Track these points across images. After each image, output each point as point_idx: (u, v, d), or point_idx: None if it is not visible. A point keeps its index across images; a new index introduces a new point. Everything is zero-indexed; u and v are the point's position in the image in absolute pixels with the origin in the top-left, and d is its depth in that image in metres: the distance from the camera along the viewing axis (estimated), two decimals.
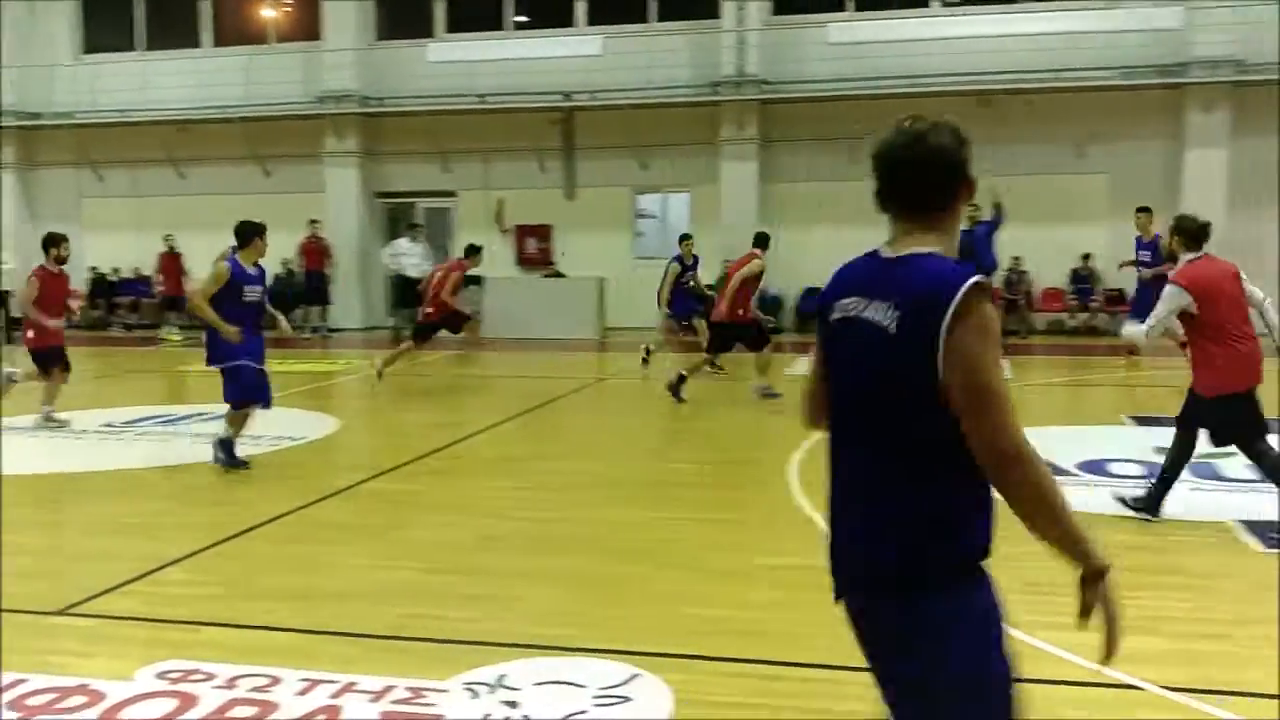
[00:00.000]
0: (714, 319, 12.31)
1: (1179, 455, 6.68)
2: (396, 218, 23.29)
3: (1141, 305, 11.82)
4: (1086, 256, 19.50)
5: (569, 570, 6.03)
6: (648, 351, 14.94)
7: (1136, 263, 14.55)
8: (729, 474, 8.67)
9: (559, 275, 21.27)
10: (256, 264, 8.70)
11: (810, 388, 2.71)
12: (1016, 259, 18.25)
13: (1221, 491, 7.56)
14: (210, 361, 8.67)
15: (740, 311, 11.89)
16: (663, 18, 21.28)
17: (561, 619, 5.23)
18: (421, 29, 22.30)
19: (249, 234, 8.62)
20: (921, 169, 2.44)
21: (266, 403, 8.76)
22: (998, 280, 18.10)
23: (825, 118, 20.16)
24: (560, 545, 6.53)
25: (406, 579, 5.89)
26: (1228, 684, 4.38)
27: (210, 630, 5.08)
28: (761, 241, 12.43)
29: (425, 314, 13.86)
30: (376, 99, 22.10)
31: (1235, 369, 6.38)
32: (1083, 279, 19.62)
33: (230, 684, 4.45)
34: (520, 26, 22.24)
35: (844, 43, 19.62)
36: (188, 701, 4.30)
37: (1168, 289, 6.50)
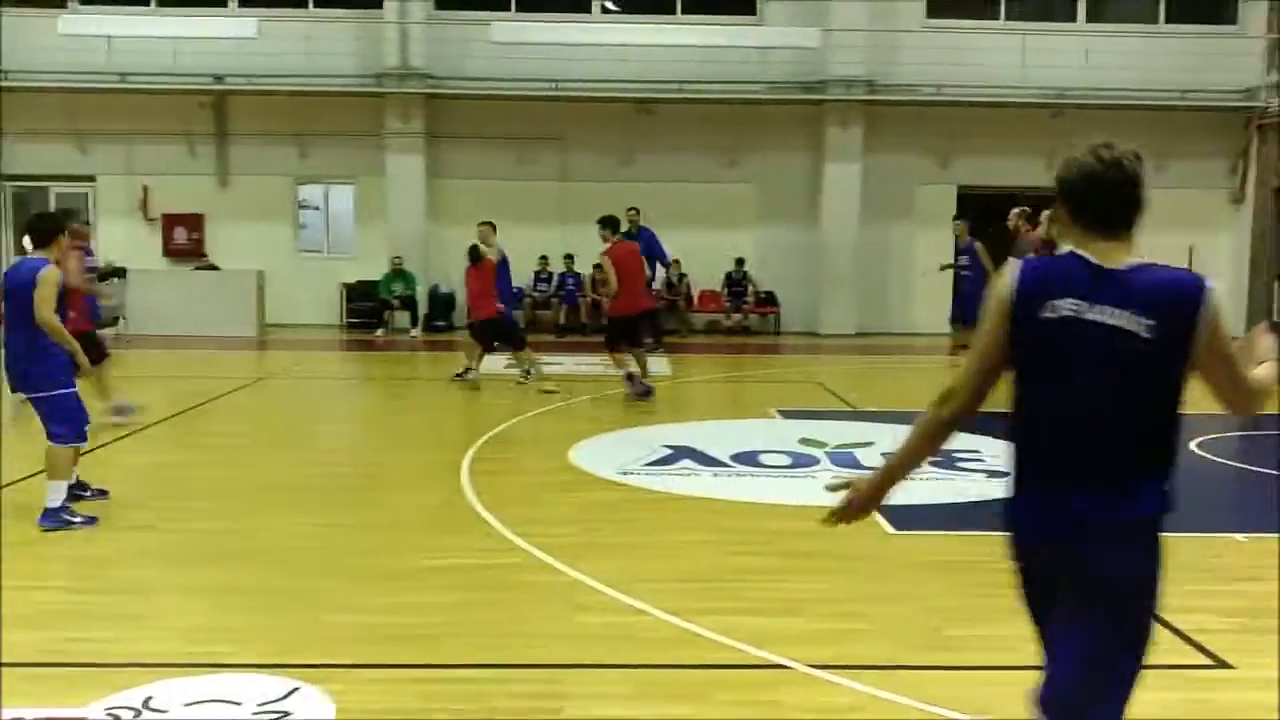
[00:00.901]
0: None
1: None
2: (26, 202, 21.27)
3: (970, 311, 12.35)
4: (740, 261, 20.63)
5: (222, 583, 5.72)
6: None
7: (957, 266, 15.41)
8: (397, 475, 8.51)
9: (213, 268, 20.13)
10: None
11: (980, 373, 2.97)
12: (676, 261, 19.04)
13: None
14: (42, 389, 6.87)
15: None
16: (321, 3, 20.59)
17: (214, 634, 4.96)
18: None
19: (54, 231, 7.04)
20: (1131, 191, 2.84)
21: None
22: (658, 282, 18.82)
23: (492, 116, 20.25)
24: (213, 557, 6.19)
25: (53, 599, 5.40)
26: (861, 659, 4.75)
27: None
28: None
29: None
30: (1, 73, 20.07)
31: None
32: (736, 282, 20.72)
33: None
34: (165, 3, 20.83)
35: (507, 43, 19.74)
36: None
37: None
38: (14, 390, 7.07)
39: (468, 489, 7.74)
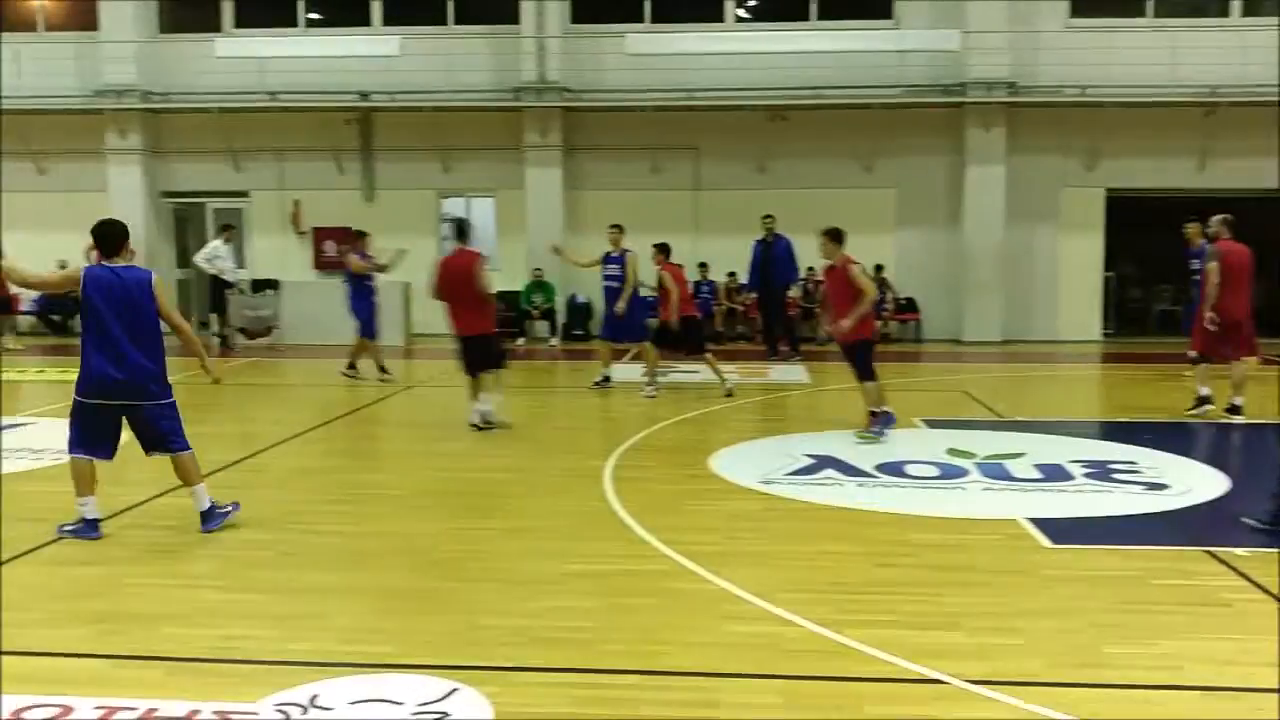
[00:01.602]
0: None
1: None
2: (185, 218, 22.30)
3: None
4: (879, 268, 20.36)
5: (378, 585, 5.88)
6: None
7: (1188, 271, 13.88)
8: (541, 481, 8.63)
9: None
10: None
11: None
12: (811, 269, 18.88)
13: (1011, 491, 7.98)
14: (165, 397, 7.00)
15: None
16: (460, 20, 21.06)
17: (374, 635, 5.10)
18: (209, 23, 21.40)
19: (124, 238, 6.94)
20: None
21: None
22: (795, 291, 18.69)
23: (627, 127, 20.43)
24: (368, 559, 6.37)
25: (207, 598, 5.63)
26: (1017, 674, 4.63)
27: None
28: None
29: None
30: (160, 94, 21.07)
31: None
32: (876, 289, 20.39)
33: (15, 717, 4.15)
34: (313, 24, 21.61)
35: (642, 54, 19.89)
36: None
37: None
38: (139, 400, 6.78)
39: (611, 495, 7.81)
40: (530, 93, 20.38)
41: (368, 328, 14.63)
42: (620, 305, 13.13)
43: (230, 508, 7.05)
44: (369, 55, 20.55)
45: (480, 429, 10.56)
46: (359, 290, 14.70)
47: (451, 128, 20.67)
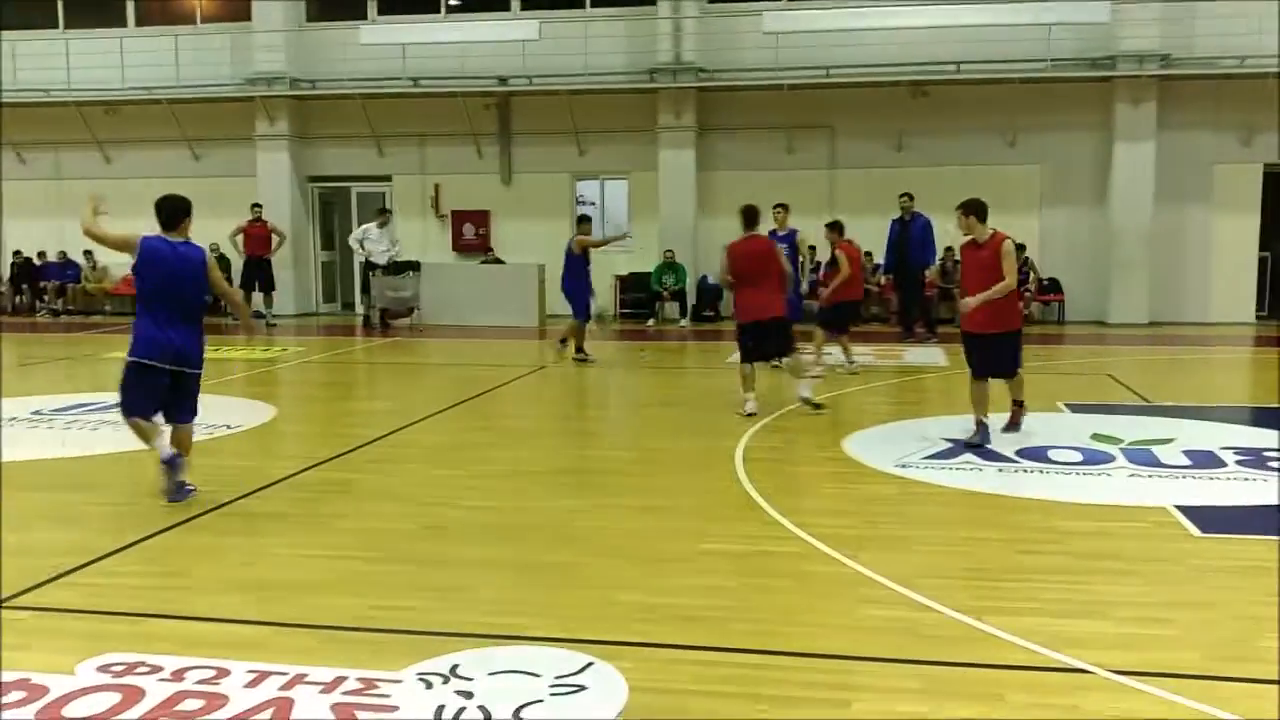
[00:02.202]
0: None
1: None
2: (330, 202, 23.01)
3: None
4: (1021, 247, 19.79)
5: (516, 559, 6.00)
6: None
7: None
8: (674, 460, 8.67)
9: (498, 261, 21.14)
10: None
11: None
12: (950, 250, 18.49)
13: (1159, 478, 7.72)
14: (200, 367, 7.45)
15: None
16: (597, 3, 21.19)
17: (512, 608, 5.21)
18: (354, 11, 22.00)
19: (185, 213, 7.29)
20: None
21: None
22: (930, 273, 18.32)
23: (762, 106, 20.30)
24: (506, 534, 6.50)
25: (353, 569, 5.83)
26: (1166, 666, 4.48)
27: (153, 622, 4.99)
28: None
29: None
30: (308, 81, 21.77)
31: None
32: (1019, 269, 19.86)
33: (176, 676, 4.37)
34: (453, 10, 22.02)
35: (779, 31, 19.70)
36: (132, 695, 4.21)
37: None
38: (191, 369, 7.20)
39: (743, 476, 7.81)
40: (665, 74, 20.40)
41: (583, 308, 14.44)
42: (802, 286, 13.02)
43: (192, 488, 7.22)
44: (507, 40, 20.84)
45: (751, 415, 10.10)
46: (577, 271, 14.51)
47: (586, 110, 20.85)
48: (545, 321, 19.73)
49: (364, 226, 20.07)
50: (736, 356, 10.76)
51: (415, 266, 19.80)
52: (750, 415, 10.07)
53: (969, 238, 9.17)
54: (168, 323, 7.05)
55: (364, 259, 19.91)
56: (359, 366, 15.73)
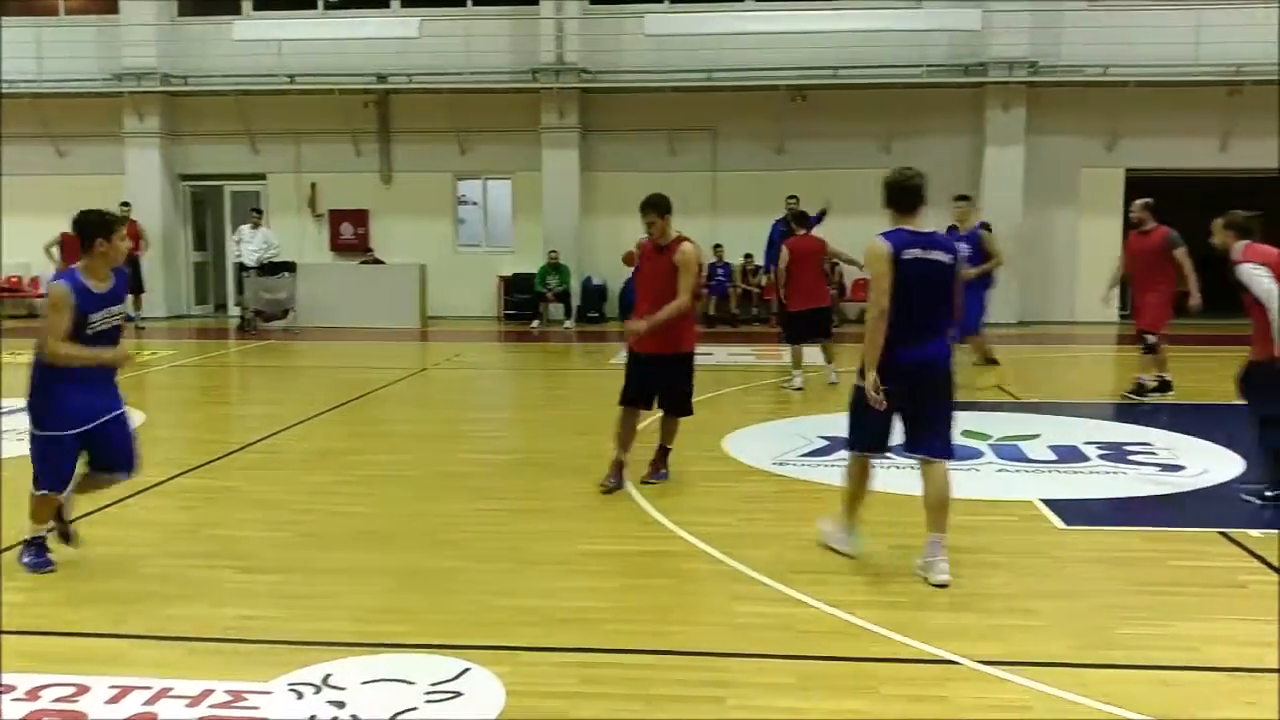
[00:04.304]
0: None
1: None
2: (203, 201, 22.39)
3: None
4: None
5: (391, 565, 5.90)
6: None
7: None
8: (555, 462, 8.64)
9: (377, 262, 20.81)
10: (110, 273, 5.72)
11: None
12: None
13: (1025, 473, 7.96)
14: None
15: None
16: (480, 2, 21.02)
17: (386, 615, 5.13)
18: (227, 6, 21.44)
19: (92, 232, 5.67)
20: None
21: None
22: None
23: (645, 108, 20.40)
24: (382, 540, 6.39)
25: (222, 578, 5.66)
26: (1032, 655, 4.62)
27: (10, 639, 4.77)
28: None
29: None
30: (179, 77, 21.14)
31: None
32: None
33: (31, 695, 4.19)
34: (331, 6, 21.61)
35: (661, 34, 19.82)
36: None
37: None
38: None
39: (625, 477, 7.80)
40: (548, 74, 20.35)
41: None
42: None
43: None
44: (387, 37, 20.53)
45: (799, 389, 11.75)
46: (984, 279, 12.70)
47: (469, 110, 20.67)
48: (426, 323, 19.50)
49: (241, 228, 19.62)
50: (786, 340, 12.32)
51: (290, 267, 19.37)
52: (799, 389, 11.72)
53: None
54: None
55: (238, 259, 19.44)
56: (232, 370, 15.33)
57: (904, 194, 5.68)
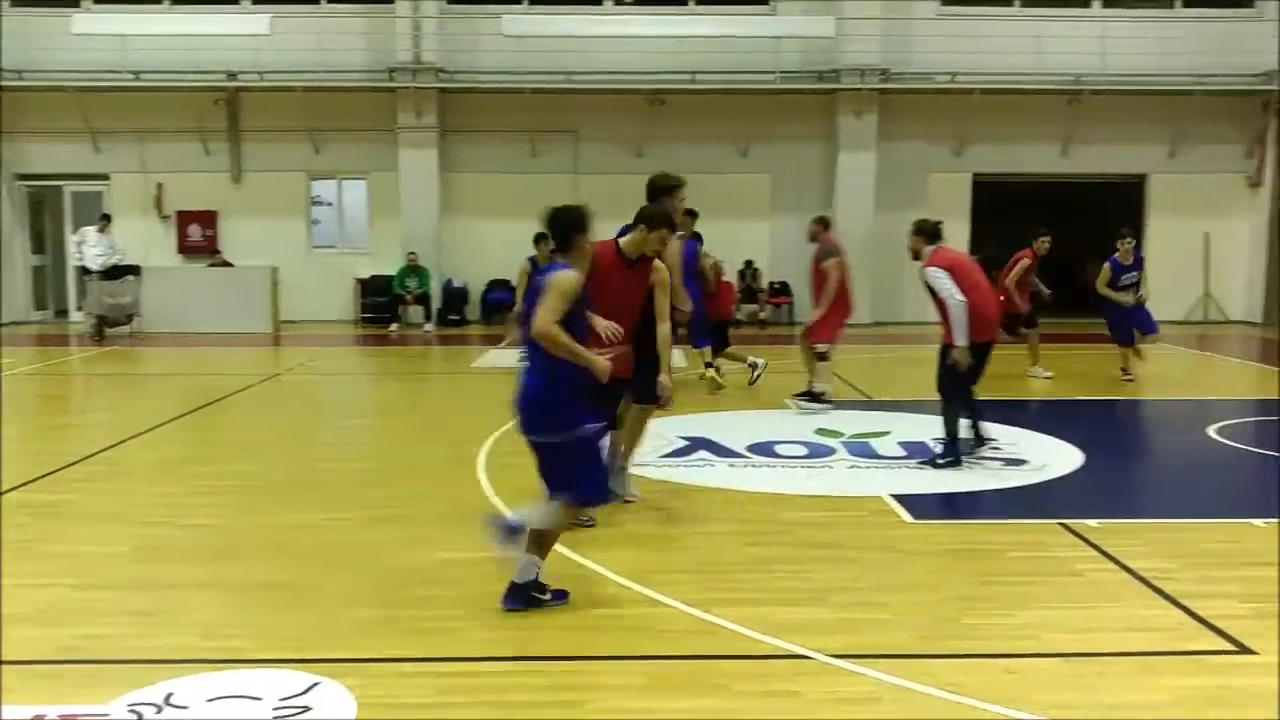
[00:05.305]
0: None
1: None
2: (41, 201, 21.39)
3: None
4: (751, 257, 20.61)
5: (238, 579, 5.71)
6: None
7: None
8: (412, 469, 8.51)
9: (226, 265, 20.18)
10: None
11: None
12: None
13: (876, 469, 8.16)
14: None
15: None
16: None
17: (232, 630, 4.96)
18: None
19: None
20: None
21: None
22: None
23: (505, 109, 20.27)
24: (227, 553, 6.18)
25: (58, 597, 5.40)
26: (881, 648, 4.72)
27: None
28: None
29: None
30: (14, 72, 20.11)
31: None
32: (751, 273, 20.64)
33: None
34: (178, 1, 20.87)
35: (519, 35, 19.72)
36: None
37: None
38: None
39: (484, 482, 7.74)
40: (405, 73, 20.05)
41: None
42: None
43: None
44: (237, 34, 19.92)
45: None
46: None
47: (323, 108, 20.22)
48: (279, 327, 19.00)
49: (83, 229, 18.79)
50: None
51: (135, 270, 18.64)
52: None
53: None
54: None
55: (78, 263, 18.63)
56: (73, 378, 14.69)
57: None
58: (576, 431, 5.08)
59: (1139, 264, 12.66)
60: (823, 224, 11.73)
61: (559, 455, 5.12)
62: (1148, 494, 8.22)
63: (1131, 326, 12.50)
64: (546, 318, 4.97)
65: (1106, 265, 12.53)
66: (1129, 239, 12.58)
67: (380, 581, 5.64)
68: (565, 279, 5.09)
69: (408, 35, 20.04)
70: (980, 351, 8.30)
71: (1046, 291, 13.02)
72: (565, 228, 5.47)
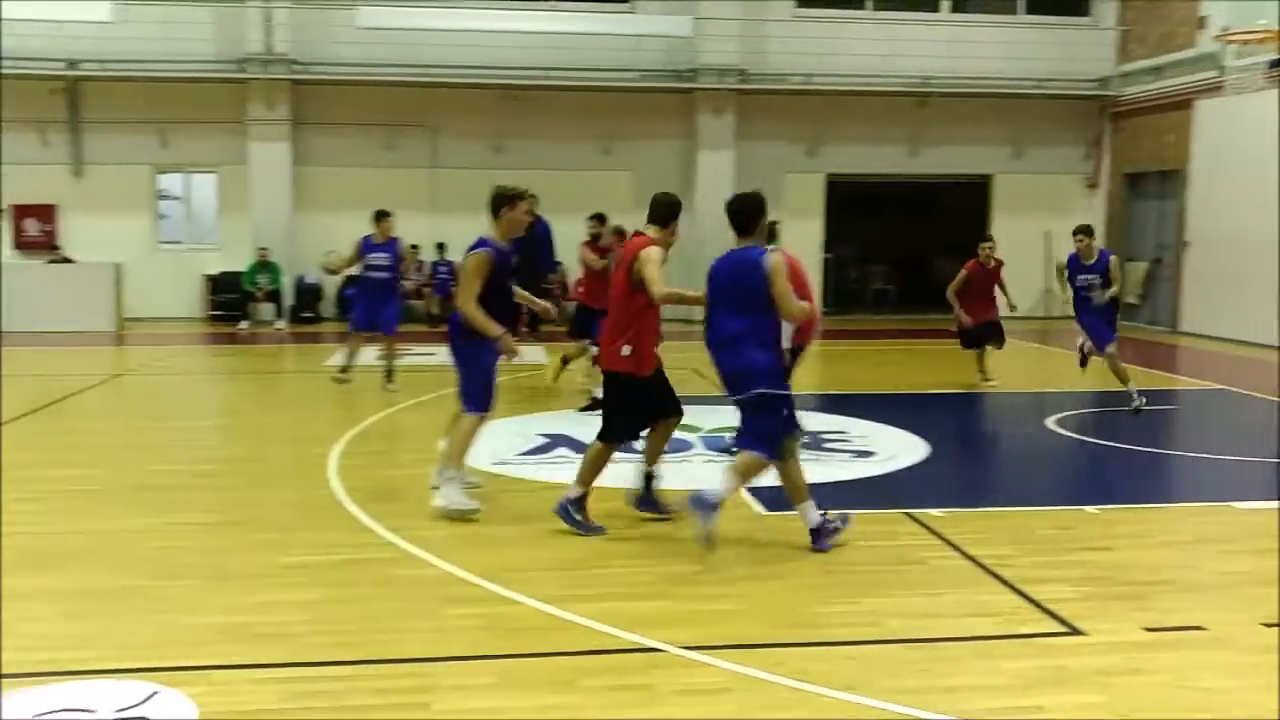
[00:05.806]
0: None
1: None
2: None
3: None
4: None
5: (70, 587, 5.46)
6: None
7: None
8: (262, 471, 8.28)
9: (66, 260, 19.32)
10: None
11: None
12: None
13: (729, 461, 8.24)
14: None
15: None
16: None
17: (64, 641, 4.76)
18: None
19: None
20: None
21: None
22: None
23: (360, 102, 19.90)
24: (59, 560, 5.91)
25: None
26: (732, 638, 4.80)
27: None
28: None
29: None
30: None
31: None
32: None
33: None
34: None
35: (372, 28, 19.37)
36: None
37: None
38: None
39: (335, 484, 7.59)
40: (256, 64, 19.48)
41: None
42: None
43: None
44: (77, 20, 19.05)
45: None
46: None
47: (170, 99, 19.50)
48: (123, 326, 18.28)
49: None
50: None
51: None
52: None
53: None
54: None
55: None
56: None
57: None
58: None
59: (1101, 266, 10.77)
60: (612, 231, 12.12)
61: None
62: (989, 483, 8.54)
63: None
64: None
65: (1063, 261, 11.24)
66: (1081, 237, 10.84)
67: (224, 586, 5.48)
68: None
69: (259, 25, 19.46)
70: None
71: (1010, 302, 12.30)
72: (753, 211, 6.34)
